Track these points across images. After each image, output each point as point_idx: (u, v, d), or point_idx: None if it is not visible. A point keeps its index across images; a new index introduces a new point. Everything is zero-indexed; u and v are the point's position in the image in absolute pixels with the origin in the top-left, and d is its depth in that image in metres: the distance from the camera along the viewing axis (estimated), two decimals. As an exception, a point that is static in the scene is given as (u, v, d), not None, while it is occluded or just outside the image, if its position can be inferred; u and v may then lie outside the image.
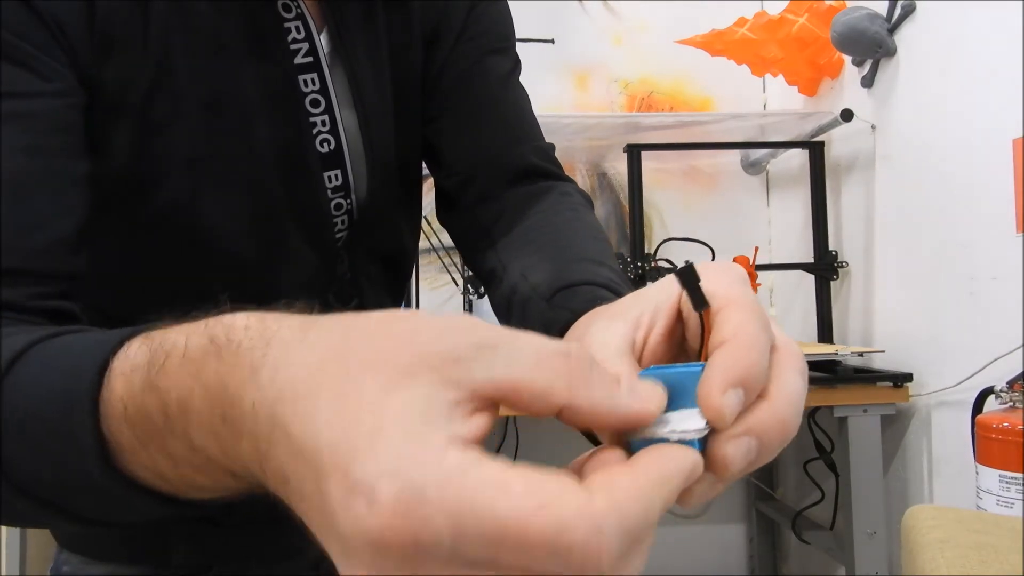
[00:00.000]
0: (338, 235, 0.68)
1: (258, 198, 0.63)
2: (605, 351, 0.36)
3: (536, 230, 0.65)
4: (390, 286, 0.77)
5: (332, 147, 0.65)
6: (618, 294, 0.51)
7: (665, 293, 0.38)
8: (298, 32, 0.62)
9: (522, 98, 0.76)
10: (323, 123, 0.64)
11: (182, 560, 0.65)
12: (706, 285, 0.35)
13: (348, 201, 0.68)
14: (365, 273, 0.72)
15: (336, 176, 0.66)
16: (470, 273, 2.19)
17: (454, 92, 0.72)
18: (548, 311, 0.54)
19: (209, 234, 0.61)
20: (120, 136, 0.56)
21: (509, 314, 0.64)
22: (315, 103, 0.64)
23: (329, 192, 0.66)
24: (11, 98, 0.49)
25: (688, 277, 0.35)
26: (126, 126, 0.57)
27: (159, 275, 0.62)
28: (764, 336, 0.34)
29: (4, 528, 1.90)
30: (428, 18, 0.70)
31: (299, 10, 0.62)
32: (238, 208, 0.62)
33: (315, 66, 0.63)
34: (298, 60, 0.63)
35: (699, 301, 0.35)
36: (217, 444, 0.30)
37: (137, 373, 0.33)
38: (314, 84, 0.63)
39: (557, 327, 0.50)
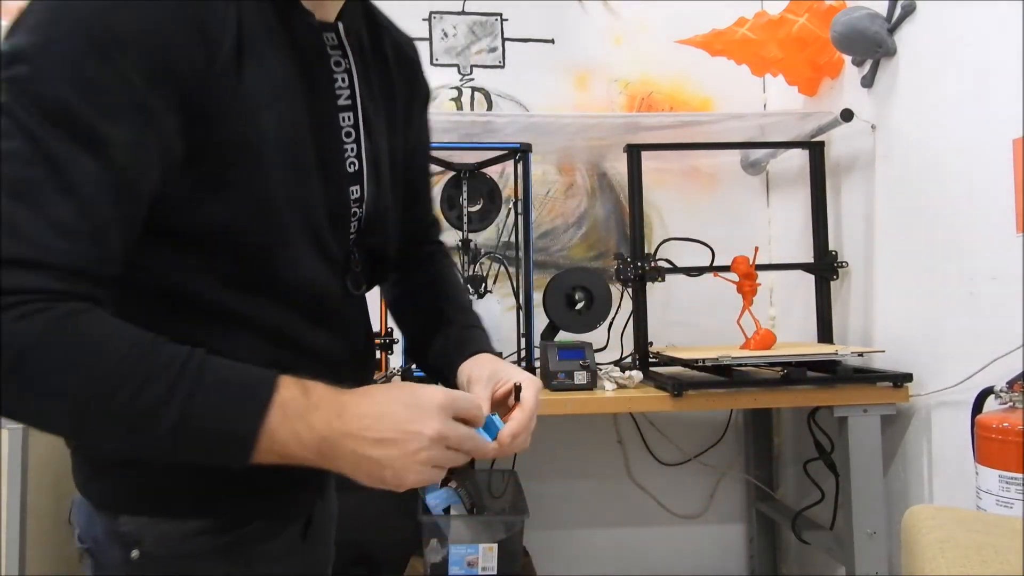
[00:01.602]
0: (351, 236, 0.90)
1: (310, 200, 0.82)
2: (482, 402, 0.86)
3: (441, 282, 1.08)
4: (377, 277, 0.99)
5: (355, 168, 0.87)
6: (482, 328, 1.03)
7: (507, 374, 0.92)
8: (343, 82, 0.87)
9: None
10: (351, 150, 0.87)
11: (226, 515, 0.81)
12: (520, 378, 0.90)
13: (361, 209, 0.89)
14: (366, 266, 0.93)
15: (356, 190, 0.88)
16: (470, 273, 2.19)
17: (416, 164, 1.03)
18: (458, 348, 0.97)
19: (280, 231, 0.79)
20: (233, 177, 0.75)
21: (431, 335, 1.02)
22: (348, 134, 0.87)
23: (351, 201, 0.87)
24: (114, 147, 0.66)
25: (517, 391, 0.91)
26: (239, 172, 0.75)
27: (234, 257, 0.77)
28: (535, 400, 0.92)
29: (4, 528, 1.90)
30: (419, 90, 1.02)
31: (348, 66, 0.87)
32: (298, 208, 0.80)
33: (351, 107, 0.87)
34: (340, 102, 0.87)
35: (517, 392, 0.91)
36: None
37: (291, 405, 0.70)
38: (348, 120, 0.87)
39: (463, 353, 0.96)
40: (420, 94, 1.03)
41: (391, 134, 0.94)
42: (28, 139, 0.62)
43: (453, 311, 1.03)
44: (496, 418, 0.84)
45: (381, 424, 0.71)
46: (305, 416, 0.69)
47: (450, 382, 0.96)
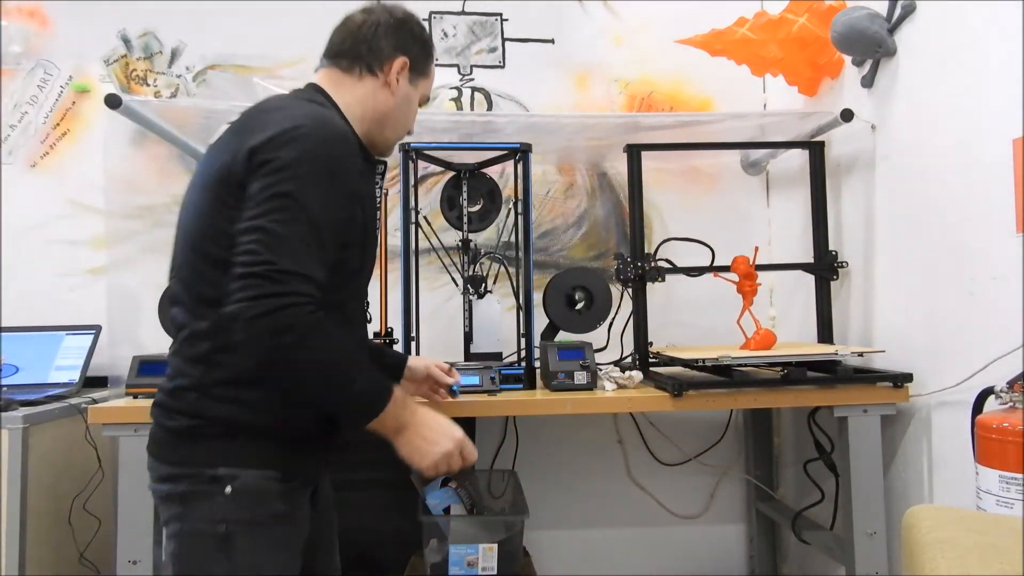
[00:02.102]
0: None
1: (373, 254, 1.41)
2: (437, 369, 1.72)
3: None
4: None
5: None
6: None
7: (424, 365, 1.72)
8: (379, 185, 1.51)
9: None
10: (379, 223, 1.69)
11: (284, 471, 1.23)
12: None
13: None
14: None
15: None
16: (470, 273, 2.19)
17: None
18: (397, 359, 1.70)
19: (366, 260, 1.36)
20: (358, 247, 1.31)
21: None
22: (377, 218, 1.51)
23: (373, 259, 1.43)
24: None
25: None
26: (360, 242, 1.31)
27: (353, 287, 1.35)
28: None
29: (4, 528, 1.90)
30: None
31: (382, 169, 1.52)
32: (370, 264, 1.39)
33: (378, 202, 1.51)
34: (377, 197, 1.50)
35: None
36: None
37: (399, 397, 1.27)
38: (378, 207, 1.51)
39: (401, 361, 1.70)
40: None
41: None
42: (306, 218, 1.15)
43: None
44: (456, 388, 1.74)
45: (430, 425, 1.29)
46: (399, 409, 1.25)
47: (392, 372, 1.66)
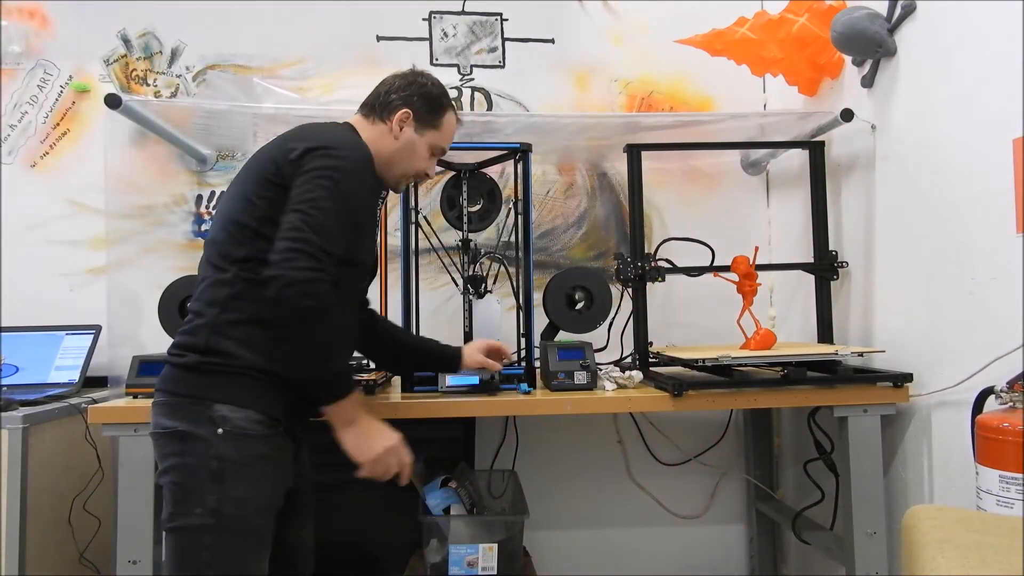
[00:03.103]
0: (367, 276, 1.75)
1: (372, 258, 1.69)
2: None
3: (396, 327, 1.97)
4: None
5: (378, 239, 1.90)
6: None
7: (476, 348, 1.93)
8: (380, 205, 1.85)
9: None
10: (378, 241, 1.92)
11: (270, 414, 1.44)
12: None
13: (373, 264, 1.73)
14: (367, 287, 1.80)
15: (376, 254, 1.78)
16: (470, 273, 2.19)
17: None
18: (443, 348, 1.92)
19: (361, 262, 1.60)
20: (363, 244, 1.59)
21: (409, 350, 1.91)
22: (377, 227, 1.81)
23: (375, 260, 1.75)
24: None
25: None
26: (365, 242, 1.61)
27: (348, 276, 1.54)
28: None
29: (4, 528, 1.91)
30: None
31: (383, 204, 1.99)
32: (370, 259, 1.67)
33: (379, 218, 1.92)
34: (378, 215, 1.84)
35: None
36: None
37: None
38: (378, 222, 1.81)
39: (450, 348, 1.92)
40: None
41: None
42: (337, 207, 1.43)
43: (416, 337, 1.99)
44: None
45: (376, 428, 1.50)
46: (355, 406, 1.46)
47: (450, 365, 1.89)
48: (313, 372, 1.42)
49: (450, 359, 1.88)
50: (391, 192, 1.79)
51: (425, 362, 1.91)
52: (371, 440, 1.47)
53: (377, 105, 1.67)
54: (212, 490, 1.36)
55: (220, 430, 1.38)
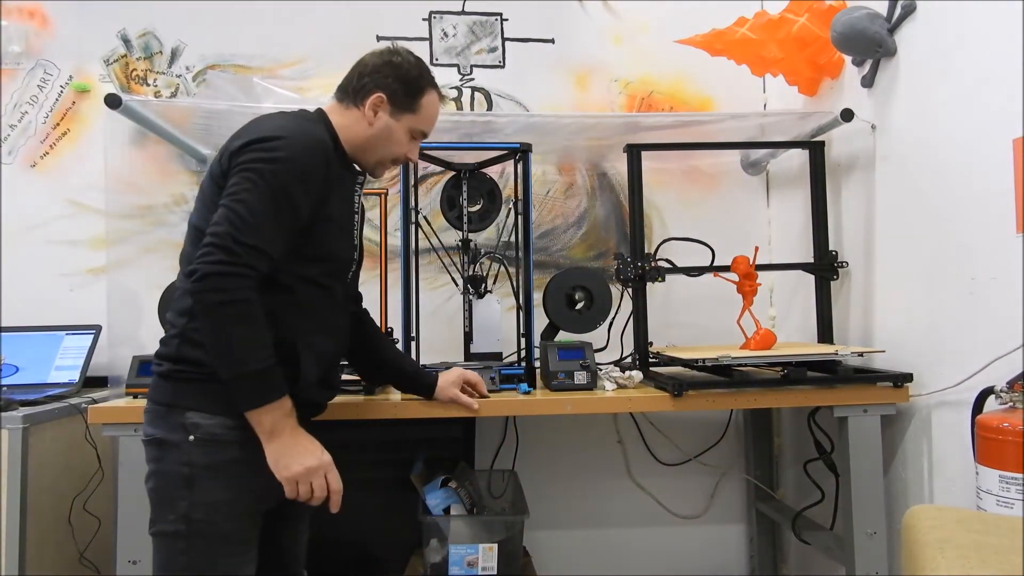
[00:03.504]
0: (351, 273, 1.64)
1: (344, 248, 1.58)
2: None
3: (381, 335, 1.88)
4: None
5: (356, 242, 1.62)
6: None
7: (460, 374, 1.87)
8: (356, 198, 1.62)
9: None
10: (356, 233, 1.62)
11: (242, 420, 1.37)
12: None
13: (357, 255, 1.64)
14: (354, 282, 1.70)
15: (355, 254, 1.63)
16: (470, 273, 2.19)
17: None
18: (419, 372, 1.84)
19: (330, 255, 1.53)
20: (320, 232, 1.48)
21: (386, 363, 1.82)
22: (355, 224, 1.61)
23: (353, 257, 1.63)
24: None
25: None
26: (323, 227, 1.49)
27: (312, 273, 1.49)
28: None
29: (4, 528, 1.91)
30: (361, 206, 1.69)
31: (359, 191, 1.63)
32: (347, 253, 1.59)
33: (358, 211, 1.63)
34: (355, 208, 1.61)
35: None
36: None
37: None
38: (356, 217, 1.62)
39: (424, 376, 1.84)
40: (362, 209, 1.69)
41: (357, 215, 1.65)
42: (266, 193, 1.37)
43: (396, 352, 1.86)
44: None
45: (304, 445, 1.41)
46: (280, 417, 1.38)
47: (423, 392, 1.84)
48: (228, 371, 1.33)
49: (424, 387, 1.81)
50: (371, 177, 1.67)
51: (398, 381, 1.83)
52: (291, 458, 1.37)
53: (351, 89, 1.57)
54: (184, 496, 1.37)
55: (192, 436, 1.38)
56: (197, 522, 1.37)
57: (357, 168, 1.62)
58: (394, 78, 1.56)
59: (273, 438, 1.37)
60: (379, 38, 2.64)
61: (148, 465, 1.43)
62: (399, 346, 2.06)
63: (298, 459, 1.38)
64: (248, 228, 1.33)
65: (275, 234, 1.36)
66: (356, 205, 1.61)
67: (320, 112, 1.59)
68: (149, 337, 2.45)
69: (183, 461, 1.38)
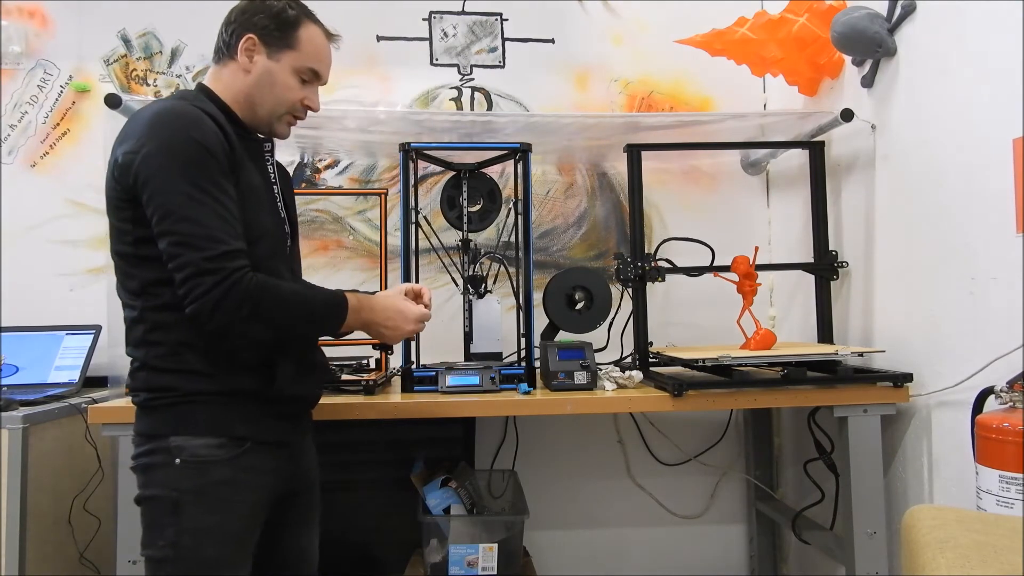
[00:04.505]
0: (287, 246, 1.55)
1: (274, 222, 1.49)
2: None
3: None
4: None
5: (284, 215, 1.54)
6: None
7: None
8: (270, 167, 1.53)
9: None
10: (280, 205, 1.53)
11: (231, 438, 1.38)
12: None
13: (287, 231, 1.54)
14: (294, 258, 1.61)
15: (287, 227, 1.54)
16: (470, 273, 2.19)
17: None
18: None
19: (263, 231, 1.43)
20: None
21: None
22: (276, 195, 1.52)
23: (285, 226, 1.54)
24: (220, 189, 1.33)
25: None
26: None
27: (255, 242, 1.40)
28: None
29: (4, 528, 1.90)
30: (285, 173, 1.62)
31: (271, 159, 1.54)
32: (277, 227, 1.50)
33: (275, 181, 1.53)
34: (271, 179, 1.52)
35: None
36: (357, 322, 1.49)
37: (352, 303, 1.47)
38: (275, 188, 1.53)
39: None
40: (285, 175, 1.63)
41: (282, 191, 1.56)
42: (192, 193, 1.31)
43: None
44: None
45: (390, 315, 1.51)
46: (358, 313, 1.47)
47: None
48: (310, 333, 1.47)
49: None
50: (278, 138, 1.53)
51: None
52: (390, 331, 1.51)
53: (221, 44, 1.46)
54: (171, 523, 1.35)
55: (178, 460, 1.35)
56: (184, 548, 1.35)
57: (261, 136, 1.51)
58: (262, 15, 1.44)
59: (368, 327, 1.50)
60: (379, 38, 2.64)
61: (138, 491, 1.41)
62: (398, 346, 2.06)
63: (397, 331, 1.52)
64: (205, 239, 1.27)
65: (227, 224, 1.31)
66: (272, 176, 1.52)
67: (199, 86, 1.48)
68: (149, 337, 2.44)
69: (171, 487, 1.35)
